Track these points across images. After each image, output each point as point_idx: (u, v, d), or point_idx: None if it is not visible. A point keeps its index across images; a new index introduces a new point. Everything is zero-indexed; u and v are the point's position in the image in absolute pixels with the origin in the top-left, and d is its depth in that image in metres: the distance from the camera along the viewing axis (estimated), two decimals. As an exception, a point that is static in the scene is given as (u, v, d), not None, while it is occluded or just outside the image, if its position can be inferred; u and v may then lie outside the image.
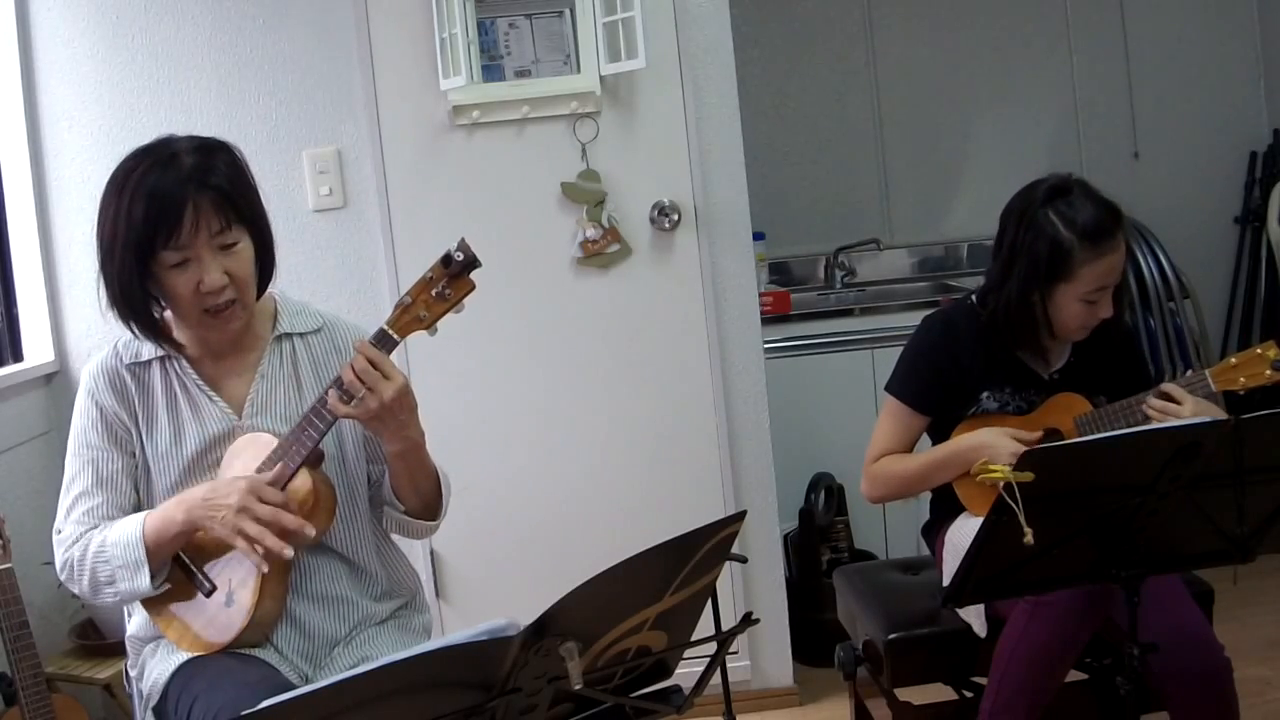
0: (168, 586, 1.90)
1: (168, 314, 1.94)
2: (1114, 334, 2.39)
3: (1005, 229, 2.33)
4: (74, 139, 3.11)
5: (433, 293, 1.79)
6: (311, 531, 1.82)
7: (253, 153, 3.22)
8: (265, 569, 1.80)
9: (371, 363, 1.79)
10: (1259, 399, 2.40)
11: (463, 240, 1.78)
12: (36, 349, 3.16)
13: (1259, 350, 2.26)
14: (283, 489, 1.84)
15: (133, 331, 1.91)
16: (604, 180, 3.08)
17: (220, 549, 1.88)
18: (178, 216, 1.78)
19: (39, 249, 3.12)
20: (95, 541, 1.86)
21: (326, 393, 1.82)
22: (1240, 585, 3.39)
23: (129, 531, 1.84)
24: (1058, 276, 2.25)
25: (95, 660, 2.84)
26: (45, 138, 3.12)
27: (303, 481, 1.86)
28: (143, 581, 1.83)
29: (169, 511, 1.84)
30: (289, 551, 1.78)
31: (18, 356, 3.15)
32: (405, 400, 1.83)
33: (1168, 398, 2.25)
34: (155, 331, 1.91)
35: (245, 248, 1.88)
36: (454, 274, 1.77)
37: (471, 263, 1.77)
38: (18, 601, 2.40)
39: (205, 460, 1.93)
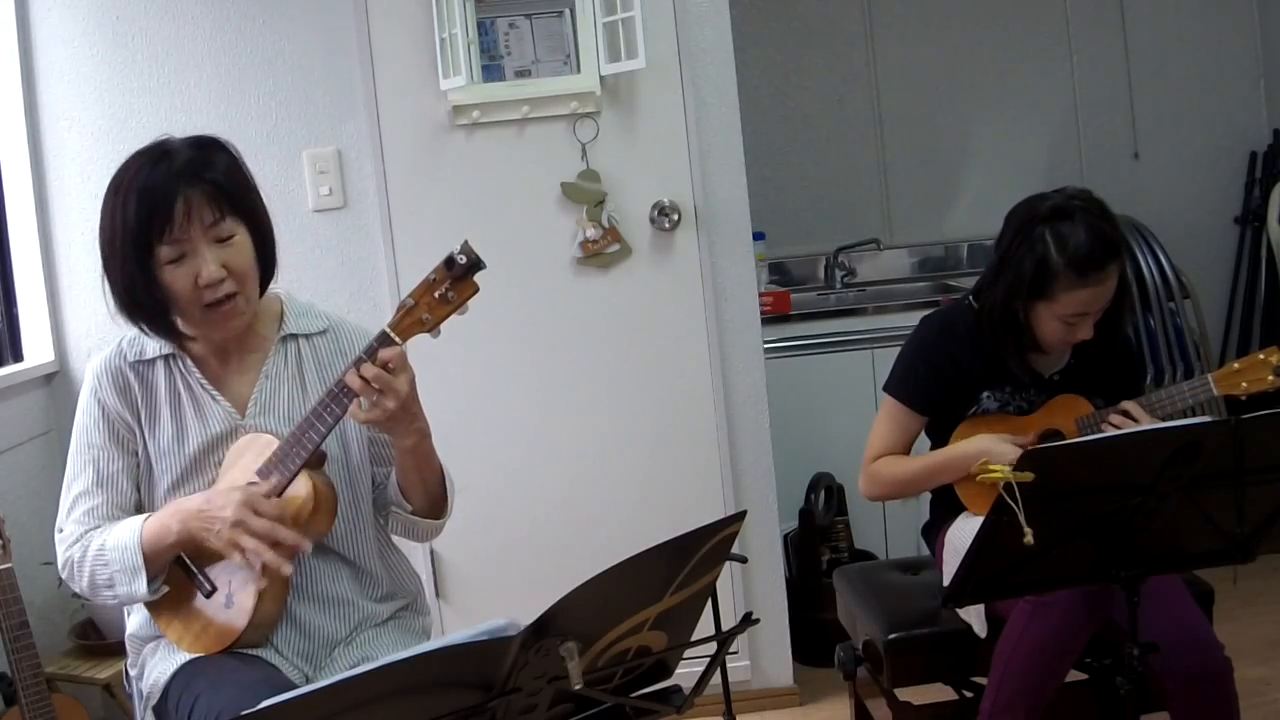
0: (166, 590, 1.89)
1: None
2: (1114, 341, 2.39)
3: (1005, 232, 2.34)
4: (74, 139, 3.11)
5: (435, 295, 1.77)
6: (308, 547, 1.81)
7: (253, 153, 3.21)
8: (263, 584, 1.81)
9: (382, 362, 1.78)
10: (1259, 403, 2.40)
11: (466, 243, 1.76)
12: (36, 349, 3.16)
13: (1261, 356, 2.27)
14: (282, 490, 1.83)
15: (144, 330, 1.91)
16: (604, 180, 3.08)
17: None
18: (168, 209, 1.79)
19: (39, 249, 3.12)
20: (95, 544, 1.86)
21: (332, 398, 1.81)
22: (1240, 585, 3.41)
23: (126, 538, 1.84)
24: (1039, 294, 2.26)
25: (95, 660, 2.84)
26: (45, 138, 3.12)
27: (302, 487, 1.85)
28: (140, 587, 1.83)
29: (165, 521, 1.83)
30: (287, 569, 1.78)
31: (18, 356, 3.15)
32: (415, 391, 1.84)
33: (1126, 415, 2.27)
34: (168, 328, 1.90)
35: (243, 241, 1.87)
36: (457, 276, 1.75)
37: (475, 265, 1.75)
38: (18, 601, 2.40)
39: (208, 459, 1.93)
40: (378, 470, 2.03)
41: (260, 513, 1.77)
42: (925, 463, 2.40)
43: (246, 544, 1.76)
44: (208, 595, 1.88)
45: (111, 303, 1.89)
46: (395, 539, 2.09)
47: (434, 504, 2.00)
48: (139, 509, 1.93)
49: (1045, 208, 2.28)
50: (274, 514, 1.79)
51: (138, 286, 1.84)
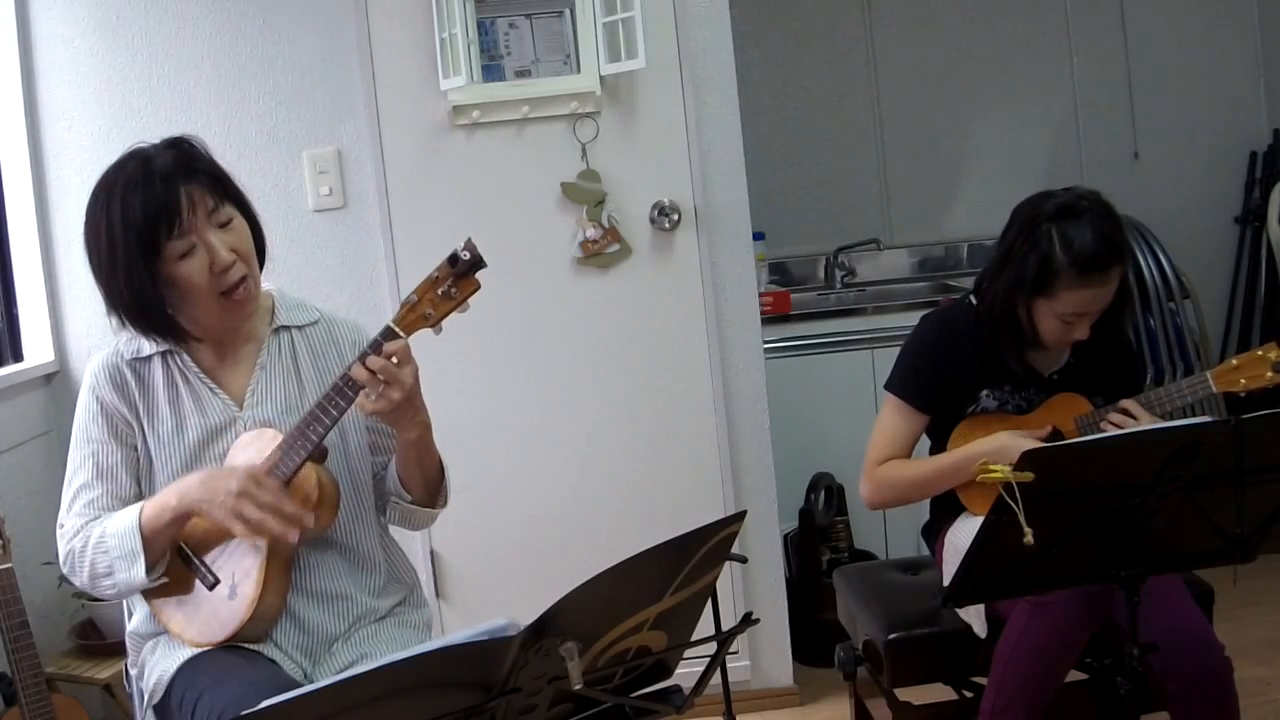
0: (165, 580, 1.90)
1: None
2: (1113, 341, 2.39)
3: (1010, 227, 2.33)
4: (74, 139, 3.11)
5: (439, 291, 1.81)
6: (310, 520, 1.84)
7: (253, 153, 3.25)
8: (264, 554, 1.83)
9: (388, 355, 1.82)
10: (1259, 401, 2.40)
11: (469, 240, 1.80)
12: (36, 349, 3.16)
13: (1260, 352, 2.26)
14: (286, 483, 1.85)
15: (153, 339, 1.93)
16: (604, 180, 3.08)
17: (222, 539, 1.89)
18: (175, 204, 1.83)
19: (39, 249, 3.12)
20: (95, 533, 1.88)
21: (338, 391, 1.84)
22: (1240, 585, 3.41)
23: (126, 521, 1.86)
24: (1040, 291, 2.26)
25: (95, 660, 2.84)
26: (45, 138, 3.12)
27: (307, 474, 1.87)
28: (138, 572, 1.84)
29: (164, 498, 1.86)
30: (293, 536, 1.80)
31: (18, 356, 3.16)
32: (419, 384, 1.88)
33: (1126, 413, 2.27)
34: (174, 331, 1.92)
35: (241, 224, 1.93)
36: (460, 273, 1.80)
37: (477, 263, 1.80)
38: (18, 601, 2.40)
39: (208, 452, 1.95)
40: (376, 460, 2.07)
41: (263, 486, 1.81)
42: (938, 463, 2.38)
43: (250, 514, 1.78)
44: (210, 587, 1.89)
45: (113, 320, 1.91)
46: (391, 530, 2.12)
47: (431, 494, 2.05)
48: (139, 500, 1.94)
49: (1052, 206, 2.27)
50: (276, 488, 1.82)
51: (147, 289, 1.85)
